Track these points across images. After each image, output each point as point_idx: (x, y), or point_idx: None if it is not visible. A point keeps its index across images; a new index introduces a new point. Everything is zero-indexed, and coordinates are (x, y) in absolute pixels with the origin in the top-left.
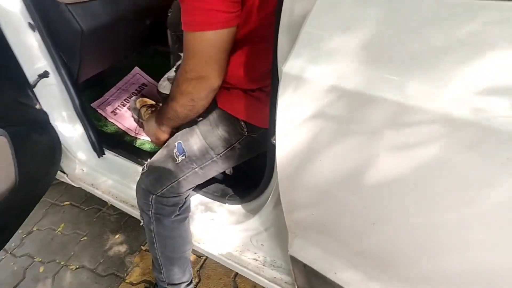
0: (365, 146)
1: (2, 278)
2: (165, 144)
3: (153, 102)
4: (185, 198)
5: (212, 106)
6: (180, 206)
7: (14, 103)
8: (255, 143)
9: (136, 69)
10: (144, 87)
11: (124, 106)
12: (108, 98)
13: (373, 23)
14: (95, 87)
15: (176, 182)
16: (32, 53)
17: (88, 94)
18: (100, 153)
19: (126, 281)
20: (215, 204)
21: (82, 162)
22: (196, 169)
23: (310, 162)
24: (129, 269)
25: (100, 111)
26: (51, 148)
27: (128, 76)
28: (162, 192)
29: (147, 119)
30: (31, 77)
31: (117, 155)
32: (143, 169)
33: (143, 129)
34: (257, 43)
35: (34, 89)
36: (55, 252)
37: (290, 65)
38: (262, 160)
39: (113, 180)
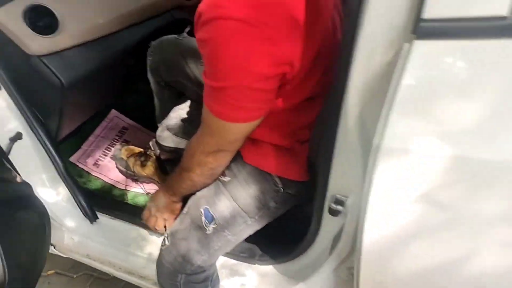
0: (495, 221)
1: None
2: (185, 210)
3: (141, 150)
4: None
5: (239, 162)
6: (211, 279)
7: None
8: (292, 198)
9: (113, 112)
10: (125, 131)
11: (106, 155)
12: (87, 149)
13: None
14: (69, 139)
15: (207, 255)
16: (0, 114)
17: (63, 148)
18: (92, 219)
19: None
20: (243, 266)
21: (71, 230)
22: (229, 237)
23: (421, 244)
24: None
25: (80, 165)
26: (39, 225)
27: (106, 121)
28: (192, 270)
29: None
30: (2, 142)
31: (113, 217)
32: (163, 243)
33: (133, 181)
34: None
35: (9, 157)
36: None
37: (391, 137)
38: (295, 209)
39: (113, 248)
